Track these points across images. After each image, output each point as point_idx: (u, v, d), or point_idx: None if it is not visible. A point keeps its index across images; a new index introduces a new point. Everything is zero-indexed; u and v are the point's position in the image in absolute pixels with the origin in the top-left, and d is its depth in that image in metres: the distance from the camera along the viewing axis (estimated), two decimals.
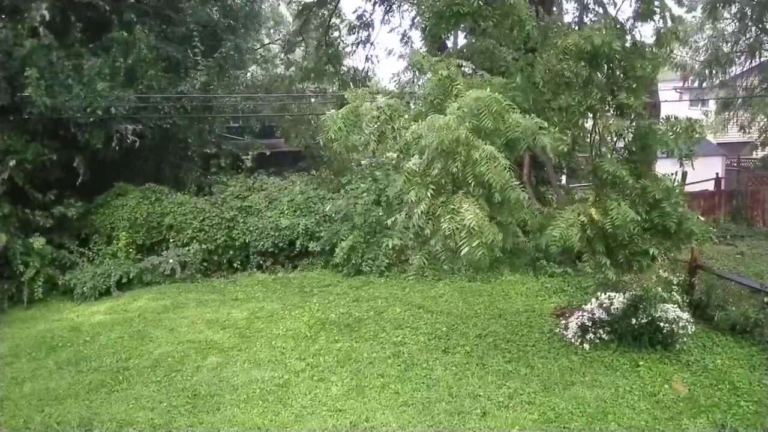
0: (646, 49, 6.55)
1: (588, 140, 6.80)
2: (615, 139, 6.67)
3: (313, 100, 18.65)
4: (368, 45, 17.28)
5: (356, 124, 5.50)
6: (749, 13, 17.00)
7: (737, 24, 18.12)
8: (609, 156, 6.50)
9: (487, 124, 4.87)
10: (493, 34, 6.75)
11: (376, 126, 5.40)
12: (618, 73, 6.51)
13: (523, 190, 4.98)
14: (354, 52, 17.83)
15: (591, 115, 6.58)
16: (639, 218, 5.82)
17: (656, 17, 6.65)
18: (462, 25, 6.90)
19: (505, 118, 4.92)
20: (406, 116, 5.51)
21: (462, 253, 4.54)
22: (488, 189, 4.75)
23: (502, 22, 6.59)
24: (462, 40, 7.78)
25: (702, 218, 6.55)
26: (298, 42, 18.37)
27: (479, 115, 4.86)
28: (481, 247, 4.50)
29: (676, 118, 6.44)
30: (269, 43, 22.32)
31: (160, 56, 12.04)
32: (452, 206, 4.73)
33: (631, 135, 6.41)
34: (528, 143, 5.11)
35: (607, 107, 6.65)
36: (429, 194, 4.82)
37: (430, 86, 5.72)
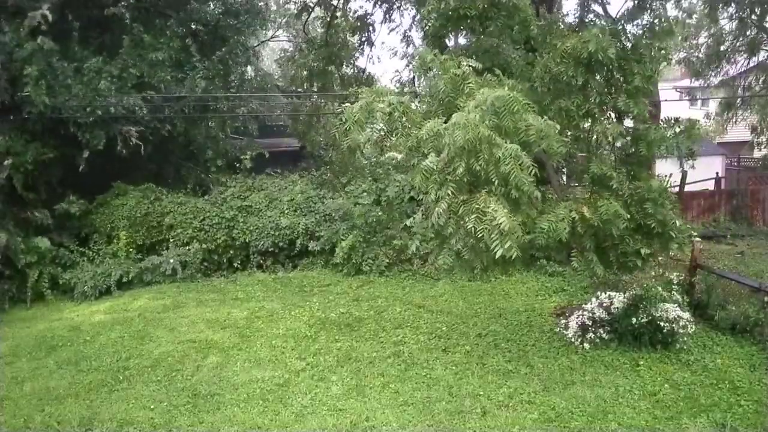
0: (647, 45, 6.54)
1: (588, 142, 6.81)
2: (612, 142, 6.68)
3: (314, 98, 18.59)
4: (370, 45, 17.28)
5: (368, 121, 5.52)
6: (747, 12, 16.97)
7: (736, 23, 18.07)
8: (605, 158, 6.53)
9: (508, 124, 4.86)
10: (494, 33, 6.75)
11: (388, 122, 5.42)
12: (617, 76, 6.52)
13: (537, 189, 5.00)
14: (357, 54, 17.76)
15: (590, 119, 6.59)
16: (628, 216, 5.85)
17: (647, 15, 6.69)
18: (464, 27, 6.91)
19: (523, 118, 4.93)
20: (417, 114, 5.52)
21: (497, 255, 4.60)
22: (506, 187, 4.77)
23: (507, 23, 6.60)
24: (462, 39, 7.78)
25: (682, 220, 6.60)
26: (302, 44, 18.34)
27: (499, 114, 4.85)
28: (514, 248, 4.57)
29: (676, 119, 6.46)
30: (268, 40, 22.25)
31: (161, 54, 12.01)
32: (476, 205, 4.73)
33: (629, 138, 6.44)
34: (539, 144, 5.11)
35: (606, 111, 6.65)
36: (449, 192, 4.82)
37: (442, 84, 5.70)
